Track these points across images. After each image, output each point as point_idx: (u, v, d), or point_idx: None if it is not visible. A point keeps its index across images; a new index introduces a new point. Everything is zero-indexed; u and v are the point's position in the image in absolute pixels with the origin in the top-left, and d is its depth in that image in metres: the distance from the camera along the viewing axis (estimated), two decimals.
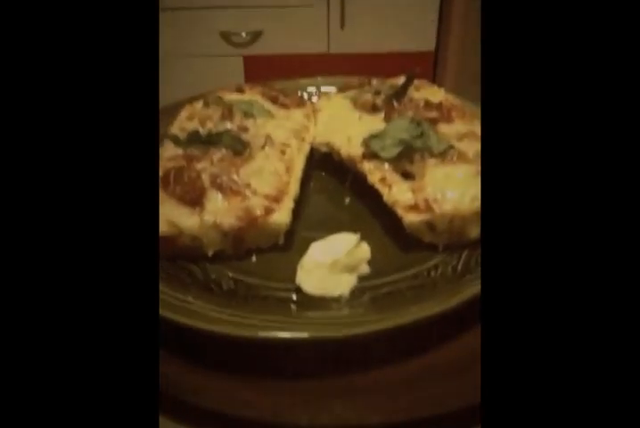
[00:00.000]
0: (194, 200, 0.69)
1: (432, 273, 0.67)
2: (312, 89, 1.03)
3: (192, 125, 0.84)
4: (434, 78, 2.00)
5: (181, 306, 0.60)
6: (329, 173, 0.86)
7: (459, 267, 0.67)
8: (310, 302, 0.63)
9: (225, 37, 2.08)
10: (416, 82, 0.89)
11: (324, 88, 1.03)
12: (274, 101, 0.90)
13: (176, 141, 0.80)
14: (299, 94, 1.00)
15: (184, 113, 0.89)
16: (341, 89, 0.95)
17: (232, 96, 0.91)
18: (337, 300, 0.63)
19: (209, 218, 0.68)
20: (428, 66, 2.08)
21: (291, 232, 0.72)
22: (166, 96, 0.85)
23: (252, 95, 0.92)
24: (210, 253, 0.69)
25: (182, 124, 0.86)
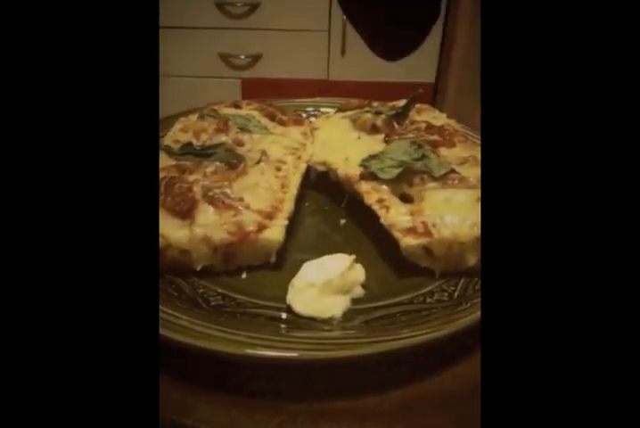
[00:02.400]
0: (185, 212, 0.67)
1: (428, 299, 0.65)
2: (310, 109, 1.02)
3: (186, 137, 0.82)
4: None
5: (167, 320, 0.57)
6: (325, 193, 0.84)
7: (455, 295, 0.65)
8: (300, 323, 0.60)
9: (224, 58, 2.08)
10: (418, 106, 0.88)
11: (322, 109, 1.02)
12: (272, 117, 0.89)
13: (169, 152, 0.78)
14: (297, 113, 0.99)
15: (178, 125, 0.87)
16: (341, 109, 0.94)
17: (228, 111, 0.90)
18: (328, 321, 0.61)
19: (199, 231, 0.65)
20: (427, 98, 2.09)
21: (283, 251, 0.70)
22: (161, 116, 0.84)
23: (249, 111, 0.90)
24: (199, 268, 0.67)
25: (175, 136, 0.84)
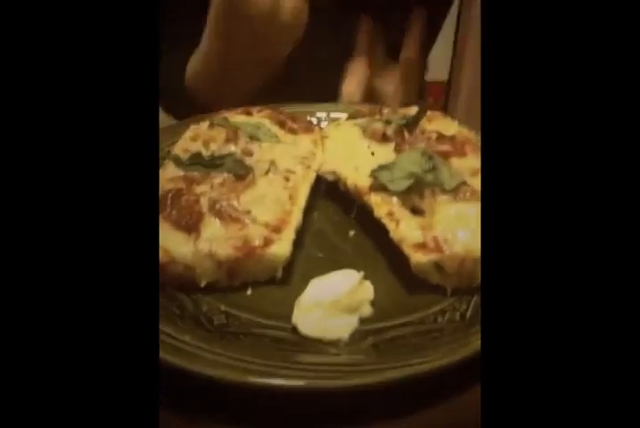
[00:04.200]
0: (190, 225, 0.65)
1: (439, 319, 0.63)
2: (322, 115, 0.99)
3: (196, 146, 0.81)
4: (446, 108, 1.98)
5: (166, 342, 0.55)
6: (334, 203, 0.82)
7: (468, 314, 0.63)
8: (306, 345, 0.58)
9: None
10: (429, 113, 0.86)
11: (333, 114, 0.99)
12: (282, 125, 0.87)
13: (178, 162, 0.76)
14: (308, 118, 0.97)
15: (188, 133, 0.86)
16: (351, 116, 0.91)
17: (238, 118, 0.88)
18: (335, 343, 0.58)
19: (203, 246, 0.64)
20: (440, 96, 2.05)
21: (290, 264, 0.68)
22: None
23: (260, 119, 0.88)
24: (203, 284, 0.65)
25: (185, 145, 0.83)
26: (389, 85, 1.17)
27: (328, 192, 0.82)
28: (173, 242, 0.64)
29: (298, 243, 0.69)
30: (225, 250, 0.64)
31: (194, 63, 1.02)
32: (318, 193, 0.82)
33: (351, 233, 0.77)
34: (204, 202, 0.68)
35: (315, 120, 0.97)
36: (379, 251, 0.73)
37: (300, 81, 1.05)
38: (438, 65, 2.05)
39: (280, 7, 0.89)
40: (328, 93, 1.10)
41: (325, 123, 0.97)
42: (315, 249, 0.74)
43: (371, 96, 1.13)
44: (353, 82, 1.11)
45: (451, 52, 2.03)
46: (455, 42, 2.01)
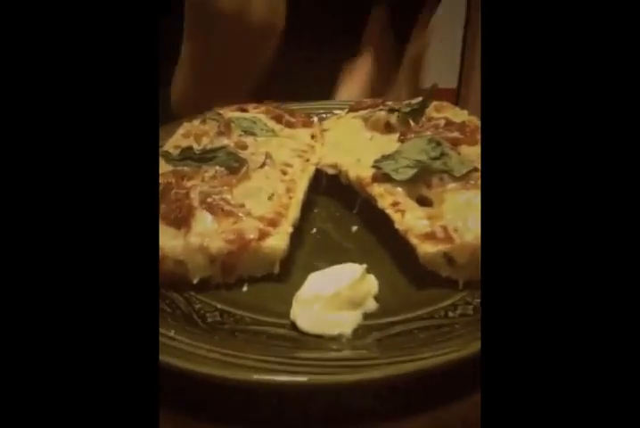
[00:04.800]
0: (180, 219, 0.62)
1: (450, 313, 0.58)
2: (322, 112, 0.95)
3: (187, 142, 0.77)
4: None
5: (162, 341, 0.50)
6: (336, 198, 0.78)
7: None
8: (306, 341, 0.54)
9: None
10: (437, 103, 0.82)
11: (335, 112, 0.95)
12: (279, 119, 0.83)
13: (168, 158, 0.72)
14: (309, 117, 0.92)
15: (180, 131, 0.82)
16: (352, 109, 0.87)
17: (233, 114, 0.85)
18: (337, 339, 0.54)
19: (195, 240, 0.60)
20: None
21: (289, 261, 0.64)
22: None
23: (255, 114, 0.85)
24: (196, 280, 0.61)
25: (177, 141, 0.79)
26: (392, 89, 1.13)
27: (329, 188, 0.78)
28: (163, 238, 0.60)
29: (297, 240, 0.65)
30: (217, 243, 0.60)
31: (175, 75, 1.00)
32: (319, 190, 0.77)
33: (354, 228, 0.72)
34: (195, 196, 0.64)
35: (315, 118, 0.93)
36: (384, 245, 0.68)
37: (299, 80, 1.02)
38: (446, 72, 2.03)
39: (250, 6, 0.87)
40: (327, 91, 1.06)
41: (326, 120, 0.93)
42: (316, 245, 0.70)
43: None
44: (353, 88, 1.07)
45: (458, 60, 2.03)
46: (463, 50, 2.01)
